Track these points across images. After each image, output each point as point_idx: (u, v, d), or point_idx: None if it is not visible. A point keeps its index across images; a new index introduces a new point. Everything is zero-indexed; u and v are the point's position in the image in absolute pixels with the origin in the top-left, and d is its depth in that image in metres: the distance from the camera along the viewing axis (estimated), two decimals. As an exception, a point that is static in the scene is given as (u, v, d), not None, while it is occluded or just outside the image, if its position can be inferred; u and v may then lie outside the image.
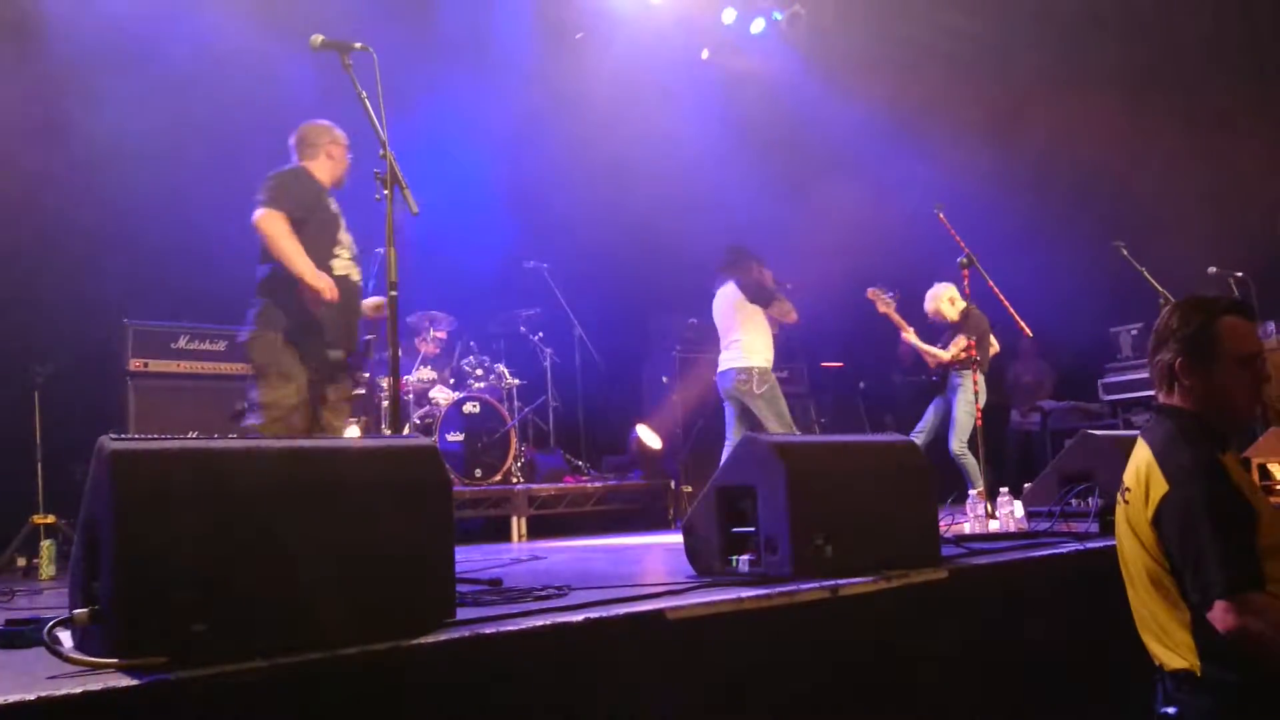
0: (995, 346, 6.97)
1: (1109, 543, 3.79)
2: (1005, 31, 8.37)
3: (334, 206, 4.48)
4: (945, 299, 6.95)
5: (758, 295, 6.58)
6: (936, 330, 7.03)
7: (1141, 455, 2.42)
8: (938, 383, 6.99)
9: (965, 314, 6.76)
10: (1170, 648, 2.36)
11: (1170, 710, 2.37)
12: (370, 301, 4.72)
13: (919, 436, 6.80)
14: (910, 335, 6.92)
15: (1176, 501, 2.26)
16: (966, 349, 6.60)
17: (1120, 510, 2.50)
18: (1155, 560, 2.34)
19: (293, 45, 4.54)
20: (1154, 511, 2.30)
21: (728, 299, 6.69)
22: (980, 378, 6.44)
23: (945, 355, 6.78)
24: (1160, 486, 2.30)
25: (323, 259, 4.25)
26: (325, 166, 4.49)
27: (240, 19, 6.55)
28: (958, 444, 6.67)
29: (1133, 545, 2.42)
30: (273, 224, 4.13)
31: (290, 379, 4.15)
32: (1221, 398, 2.40)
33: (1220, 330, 2.39)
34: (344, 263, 4.39)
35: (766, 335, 6.60)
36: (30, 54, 5.99)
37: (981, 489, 6.49)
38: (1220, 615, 2.18)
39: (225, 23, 6.49)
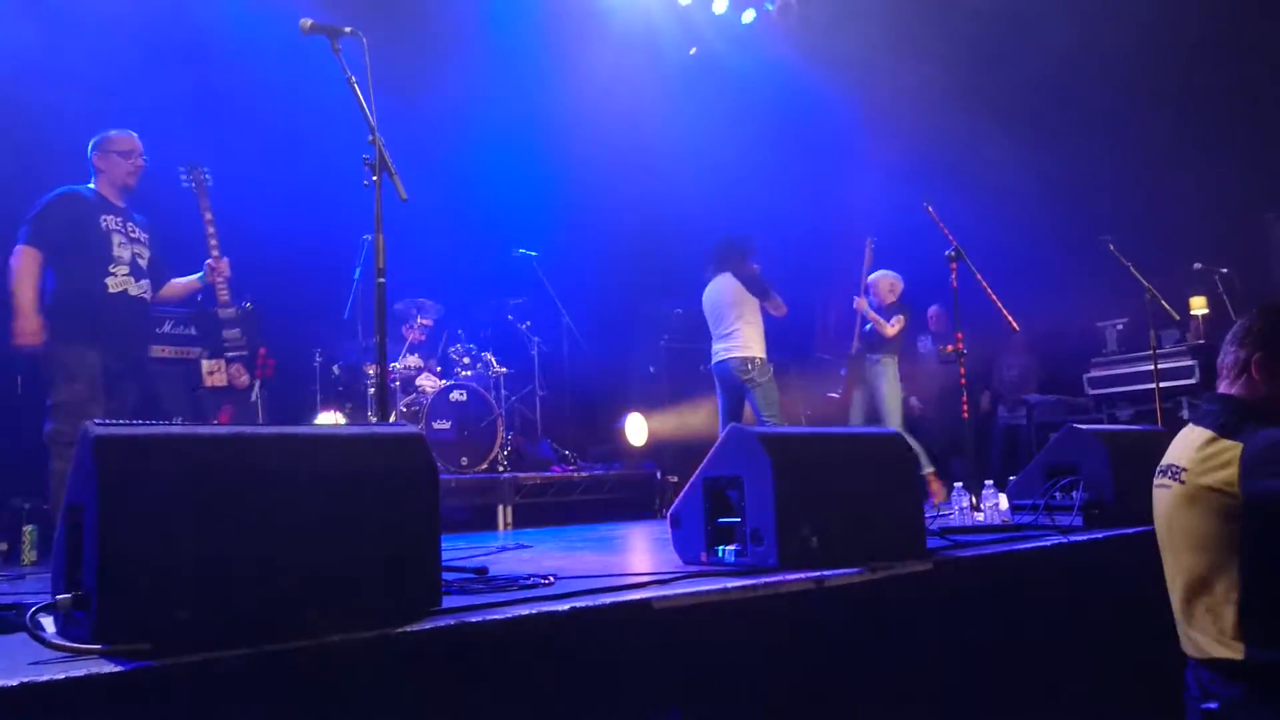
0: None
1: (1092, 536, 3.84)
2: (998, 24, 8.37)
3: (111, 222, 4.63)
4: (888, 284, 7.44)
5: (756, 288, 6.68)
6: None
7: (1197, 435, 2.60)
8: (854, 364, 7.33)
9: (902, 303, 7.14)
10: (1215, 635, 2.47)
11: (1211, 706, 2.47)
12: (179, 282, 5.03)
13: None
14: (862, 302, 7.37)
15: (1265, 442, 2.41)
16: (901, 327, 7.02)
17: (1169, 493, 2.61)
18: (1227, 521, 2.43)
19: (281, 29, 4.50)
20: (1241, 468, 2.42)
21: (724, 289, 6.77)
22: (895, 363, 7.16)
23: (890, 329, 7.15)
24: (1234, 448, 2.47)
25: (96, 278, 4.53)
26: (104, 179, 4.72)
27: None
28: (896, 428, 6.82)
29: (1188, 522, 2.54)
30: (17, 260, 4.46)
31: (76, 379, 4.44)
32: None
33: None
34: (121, 280, 4.61)
35: (761, 325, 6.72)
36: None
37: (932, 470, 6.84)
38: None
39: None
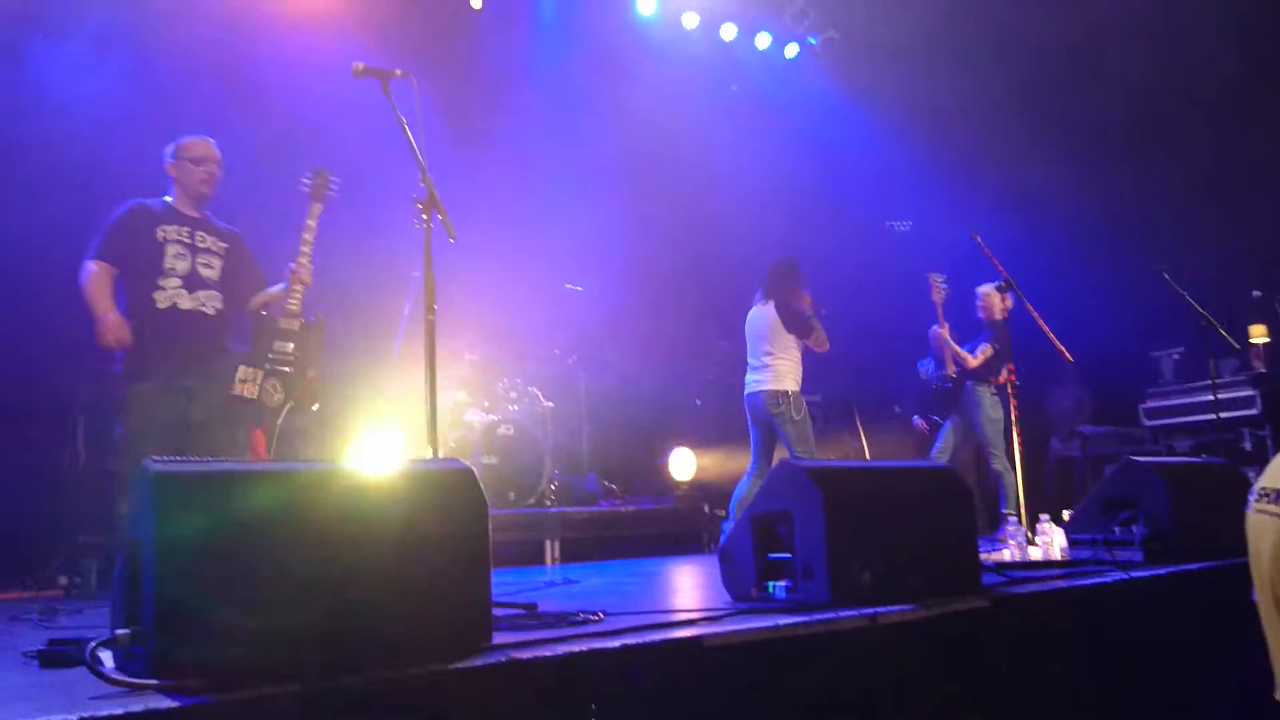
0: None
1: (1155, 572, 3.73)
2: (1050, 53, 8.33)
3: (169, 233, 4.45)
4: (999, 299, 6.78)
5: (796, 325, 6.46)
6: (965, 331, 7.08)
7: None
8: (950, 392, 6.96)
9: (1002, 325, 6.74)
10: None
11: None
12: (271, 291, 4.74)
13: (940, 458, 6.75)
14: (944, 331, 6.93)
15: None
16: (992, 358, 6.64)
17: (1274, 523, 2.27)
18: None
19: (335, 72, 4.59)
20: None
21: (765, 318, 6.57)
22: (995, 391, 6.51)
23: (973, 361, 6.76)
24: None
25: (146, 292, 4.38)
26: (178, 189, 4.58)
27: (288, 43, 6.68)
28: (997, 460, 6.61)
29: (1271, 566, 2.24)
30: (84, 275, 4.35)
31: (134, 415, 4.30)
32: None
33: None
34: (171, 294, 4.42)
35: (799, 359, 6.51)
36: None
37: (1013, 510, 6.44)
38: None
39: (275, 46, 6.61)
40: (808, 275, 6.65)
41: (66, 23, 6.21)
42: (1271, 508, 2.30)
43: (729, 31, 9.03)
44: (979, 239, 6.14)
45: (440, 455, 5.01)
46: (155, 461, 2.07)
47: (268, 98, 6.60)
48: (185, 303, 4.41)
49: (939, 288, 6.80)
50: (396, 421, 7.27)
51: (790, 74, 9.38)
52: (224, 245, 4.60)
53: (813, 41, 9.25)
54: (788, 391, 6.38)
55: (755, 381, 6.53)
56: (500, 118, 7.86)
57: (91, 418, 5.71)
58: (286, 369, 4.57)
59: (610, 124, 8.40)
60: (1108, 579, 3.58)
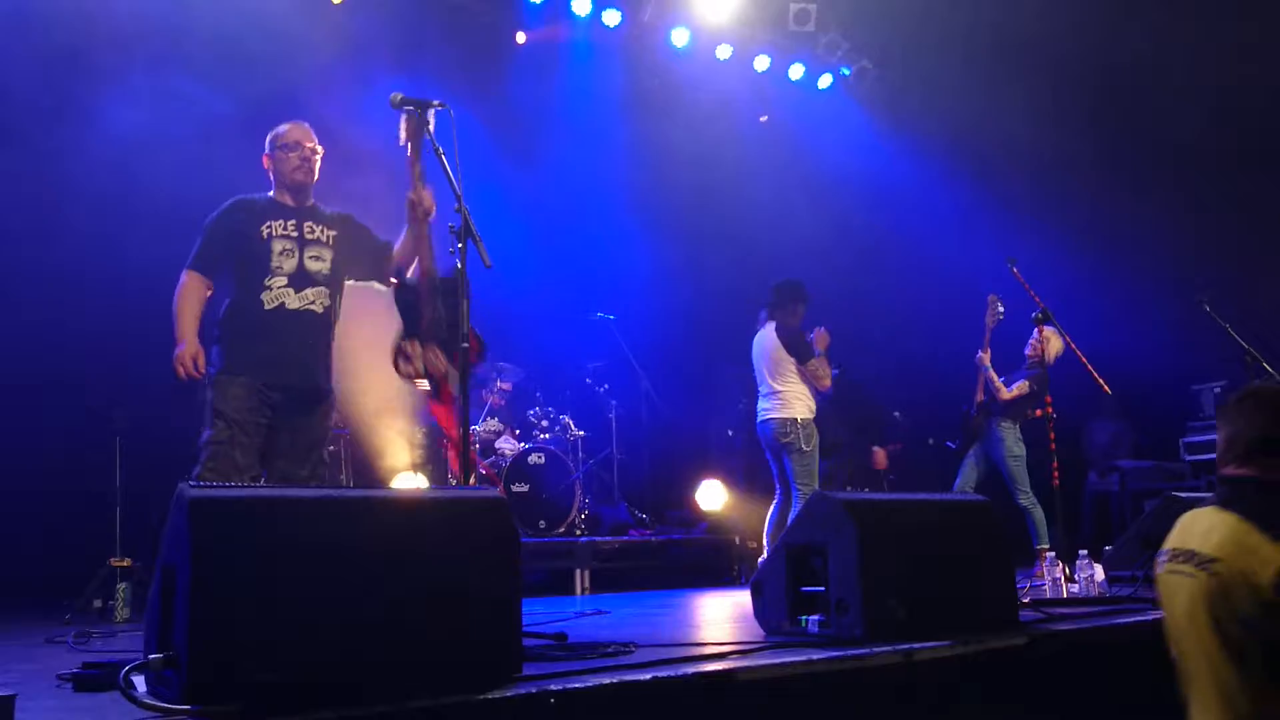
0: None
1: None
2: (1086, 82, 8.29)
3: (275, 229, 4.08)
4: (1057, 343, 6.52)
5: (794, 347, 6.25)
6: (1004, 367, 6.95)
7: (1227, 522, 2.31)
8: (973, 420, 6.81)
9: (1045, 369, 6.59)
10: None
11: None
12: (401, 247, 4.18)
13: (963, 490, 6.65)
14: (986, 356, 6.68)
15: None
16: (1025, 397, 6.48)
17: (1186, 583, 2.35)
18: (1250, 634, 2.23)
19: (374, 101, 4.64)
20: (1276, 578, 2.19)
21: (766, 342, 6.40)
22: (1017, 429, 6.46)
23: (1007, 393, 6.60)
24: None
25: (253, 293, 4.01)
26: (277, 181, 4.21)
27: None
28: (1024, 495, 6.48)
29: (1204, 621, 2.29)
30: (178, 288, 4.04)
31: (221, 416, 3.91)
32: None
33: None
34: (277, 293, 4.03)
35: (807, 383, 6.30)
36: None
37: (1047, 545, 6.31)
38: None
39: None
40: (810, 297, 6.47)
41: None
42: (1183, 568, 2.38)
43: (762, 63, 9.08)
44: (1015, 269, 6.09)
45: (472, 483, 5.00)
46: (192, 486, 2.09)
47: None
48: (292, 302, 4.05)
49: (996, 309, 6.64)
50: (429, 448, 7.31)
51: (824, 105, 9.40)
52: (333, 233, 4.20)
53: (846, 72, 9.26)
54: (797, 419, 6.17)
55: (764, 410, 6.35)
56: (537, 148, 7.93)
57: (129, 440, 5.78)
58: (441, 331, 3.98)
59: (644, 154, 8.44)
60: (1149, 617, 3.50)
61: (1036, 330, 6.60)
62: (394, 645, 2.11)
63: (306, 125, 4.23)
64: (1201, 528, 2.38)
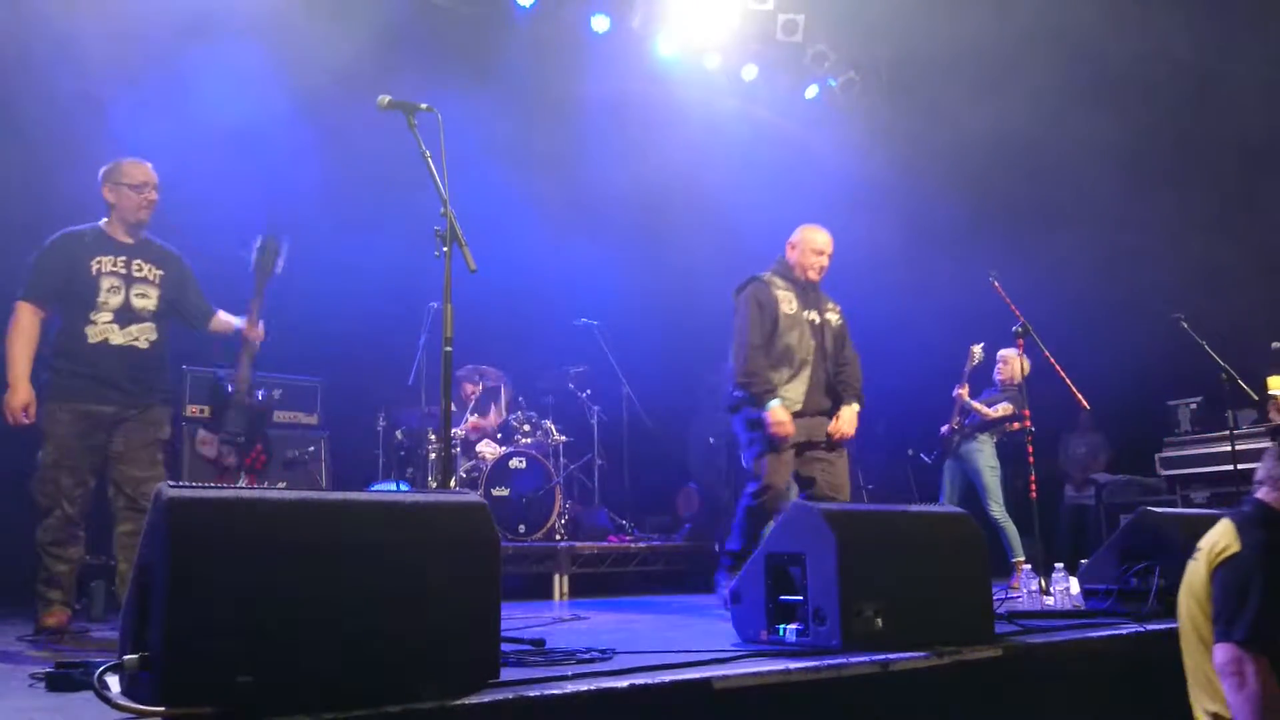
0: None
1: (1171, 625, 3.67)
2: (1062, 98, 8.35)
3: (104, 264, 4.20)
4: (1021, 364, 6.82)
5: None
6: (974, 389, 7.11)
7: (1223, 524, 2.99)
8: (948, 440, 6.97)
9: (1017, 389, 6.76)
10: (1210, 695, 2.91)
11: None
12: (225, 318, 4.60)
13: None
14: (964, 392, 6.95)
15: (1241, 558, 2.84)
16: (1009, 415, 6.64)
17: (1187, 570, 3.05)
18: (1201, 608, 2.94)
19: (360, 105, 4.62)
20: (1218, 561, 2.90)
21: None
22: (993, 442, 6.74)
23: (993, 413, 6.76)
24: (1235, 546, 2.88)
25: (78, 325, 4.14)
26: (114, 214, 4.31)
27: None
28: (996, 508, 6.59)
29: (1188, 599, 3.01)
30: (11, 319, 4.16)
31: (50, 439, 4.06)
32: None
33: None
34: (101, 328, 4.16)
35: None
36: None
37: (1022, 557, 6.44)
38: (1226, 654, 2.79)
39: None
40: None
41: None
42: (1190, 561, 3.09)
43: (750, 72, 9.11)
44: (996, 284, 6.14)
45: (453, 486, 5.01)
46: (170, 486, 2.08)
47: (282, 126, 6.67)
48: (116, 338, 4.19)
49: (974, 359, 6.86)
50: (412, 454, 7.29)
51: (810, 115, 9.44)
52: (160, 273, 4.34)
53: (833, 84, 9.31)
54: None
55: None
56: (523, 152, 7.92)
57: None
58: (240, 440, 4.61)
59: (629, 161, 8.45)
60: (1123, 630, 3.53)
61: (999, 358, 6.84)
62: (371, 649, 2.10)
63: (149, 165, 4.36)
64: (1213, 530, 3.03)
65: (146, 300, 4.27)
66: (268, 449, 4.76)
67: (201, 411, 6.37)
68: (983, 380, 7.25)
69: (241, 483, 4.61)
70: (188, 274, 4.51)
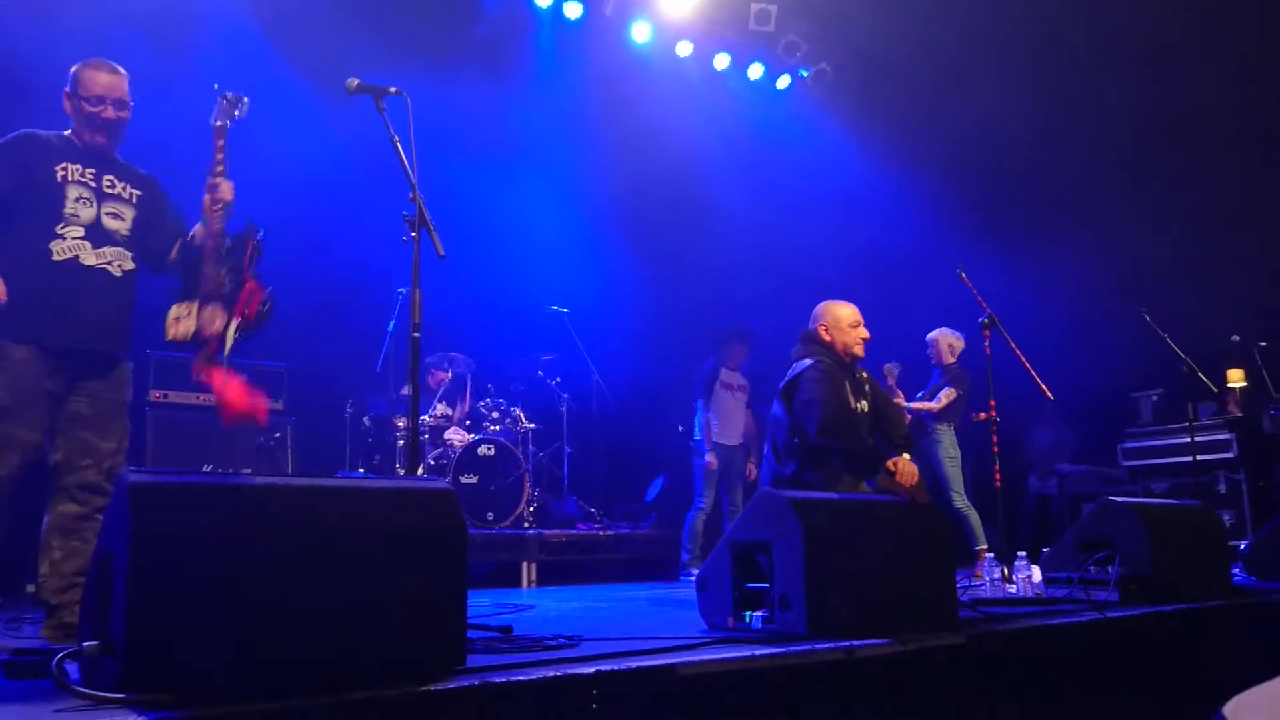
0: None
1: (1130, 612, 3.75)
2: (1031, 91, 8.43)
3: (70, 173, 3.53)
4: (947, 343, 7.04)
5: (698, 384, 7.36)
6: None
7: None
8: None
9: (956, 368, 6.85)
10: None
11: None
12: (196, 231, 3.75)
13: None
14: (900, 400, 6.87)
15: None
16: (956, 401, 6.73)
17: None
18: None
19: (328, 88, 4.57)
20: None
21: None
22: (952, 431, 6.77)
23: (936, 407, 6.83)
24: None
25: (40, 241, 3.45)
26: (73, 122, 3.62)
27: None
28: (958, 498, 6.67)
29: None
30: None
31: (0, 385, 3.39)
32: None
33: None
34: (71, 244, 3.49)
35: (705, 417, 7.23)
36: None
37: (985, 545, 6.51)
38: None
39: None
40: (725, 342, 7.50)
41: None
42: None
43: (722, 61, 9.11)
44: (964, 276, 6.19)
45: (420, 473, 4.96)
46: (132, 471, 2.05)
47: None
48: (88, 258, 3.51)
49: (891, 376, 6.94)
50: (379, 440, 7.25)
51: (782, 105, 9.46)
52: (137, 192, 3.69)
53: (804, 74, 9.33)
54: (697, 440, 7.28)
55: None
56: (495, 138, 7.88)
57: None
58: (224, 289, 3.66)
59: (602, 149, 8.43)
60: (1083, 618, 3.59)
61: (928, 342, 6.94)
62: (337, 635, 2.09)
63: (121, 71, 3.65)
64: None
65: (120, 222, 3.62)
66: (262, 286, 3.68)
67: (164, 396, 6.31)
68: (921, 374, 7.28)
69: (233, 335, 3.57)
70: (166, 198, 3.81)
